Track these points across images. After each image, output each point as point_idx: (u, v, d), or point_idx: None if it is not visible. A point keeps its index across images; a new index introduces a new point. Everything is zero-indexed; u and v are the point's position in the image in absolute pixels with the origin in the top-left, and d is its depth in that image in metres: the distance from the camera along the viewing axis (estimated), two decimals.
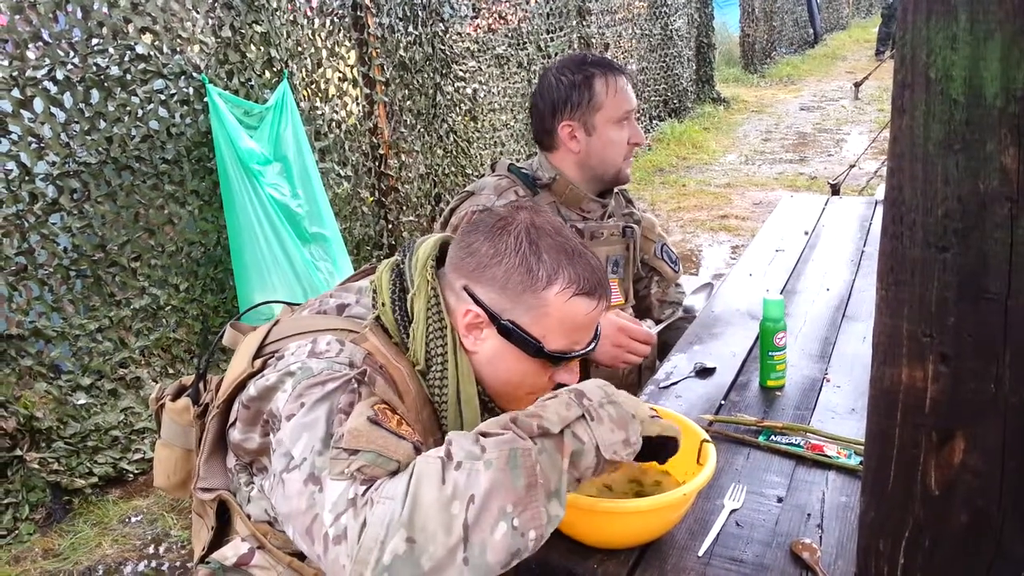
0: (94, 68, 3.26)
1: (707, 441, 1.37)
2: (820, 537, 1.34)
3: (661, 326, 2.06)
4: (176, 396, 1.37)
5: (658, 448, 1.18)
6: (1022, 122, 0.78)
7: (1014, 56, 0.77)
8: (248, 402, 1.20)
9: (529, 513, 0.99)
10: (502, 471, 0.99)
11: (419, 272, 1.26)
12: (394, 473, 1.04)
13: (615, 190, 2.22)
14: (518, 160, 2.12)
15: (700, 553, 1.31)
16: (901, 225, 0.86)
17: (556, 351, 1.24)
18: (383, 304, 1.26)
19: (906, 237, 0.86)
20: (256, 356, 1.26)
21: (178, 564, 2.86)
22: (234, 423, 1.23)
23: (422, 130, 5.22)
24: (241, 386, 1.23)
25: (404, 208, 5.08)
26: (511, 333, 1.22)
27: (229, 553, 1.24)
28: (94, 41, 3.27)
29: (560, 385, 1.27)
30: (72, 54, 3.19)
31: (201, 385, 1.36)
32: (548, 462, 1.03)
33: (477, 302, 1.23)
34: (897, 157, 0.85)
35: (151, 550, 2.94)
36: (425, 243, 1.31)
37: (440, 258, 1.32)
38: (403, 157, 5.02)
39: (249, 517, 1.25)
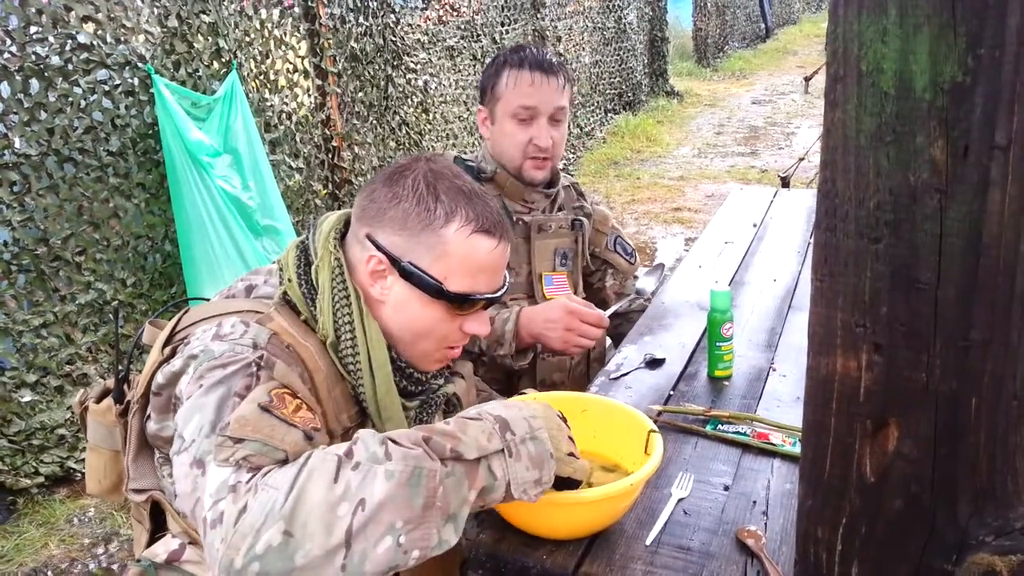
0: (33, 57, 3.17)
1: (654, 431, 1.38)
2: (765, 524, 1.36)
3: (612, 309, 2.06)
4: (100, 399, 1.35)
5: (566, 483, 1.19)
6: (950, 115, 0.80)
7: (942, 50, 0.78)
8: (158, 389, 1.19)
9: (419, 532, 0.98)
10: (401, 487, 0.97)
11: (322, 244, 1.27)
12: (284, 462, 1.03)
13: (565, 182, 2.23)
14: (467, 152, 2.13)
15: (648, 542, 1.32)
16: (834, 217, 0.87)
17: (458, 292, 1.24)
18: (289, 280, 1.26)
19: (839, 229, 0.87)
20: (166, 344, 1.25)
21: (128, 563, 2.81)
22: (150, 415, 1.22)
23: (375, 122, 5.18)
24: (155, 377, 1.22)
25: None
26: (411, 275, 1.22)
27: (160, 550, 1.23)
28: (32, 29, 3.18)
29: (474, 339, 1.32)
30: (9, 42, 3.10)
31: (125, 386, 1.33)
32: (454, 486, 1.02)
33: (378, 247, 1.23)
34: (830, 150, 0.86)
35: (100, 549, 2.89)
36: (329, 217, 1.32)
37: (346, 233, 1.32)
38: (356, 149, 4.98)
39: (179, 513, 1.24)
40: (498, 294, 1.30)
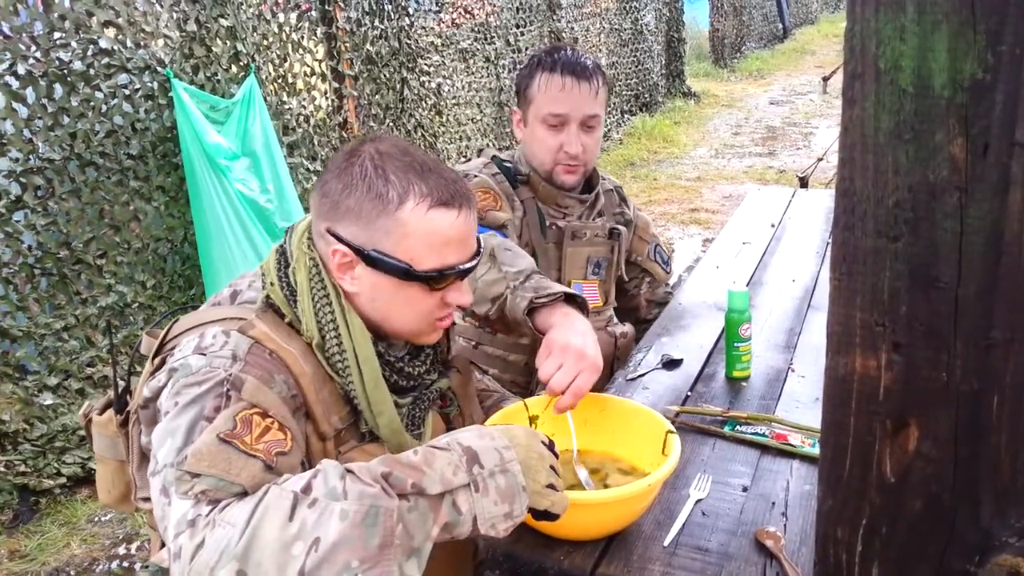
0: (57, 63, 3.21)
1: (672, 432, 1.37)
2: (784, 525, 1.35)
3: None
4: (103, 411, 1.35)
5: (544, 515, 1.15)
6: (969, 112, 0.79)
7: (961, 47, 0.78)
8: (145, 403, 1.19)
9: (377, 571, 0.96)
10: (356, 527, 0.95)
11: (296, 245, 1.26)
12: (244, 494, 1.01)
13: (608, 186, 2.21)
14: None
15: (666, 543, 1.32)
16: (853, 215, 0.87)
17: (428, 270, 1.22)
18: (271, 284, 1.25)
19: (858, 227, 0.86)
20: (156, 354, 1.25)
21: (137, 568, 2.83)
22: (142, 427, 1.22)
23: (391, 125, 5.20)
24: None
25: None
26: (377, 262, 1.20)
27: (166, 555, 1.23)
28: (56, 35, 3.22)
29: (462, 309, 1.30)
30: (34, 48, 3.14)
31: (128, 396, 1.33)
32: (417, 521, 1.00)
33: (340, 240, 1.22)
34: (848, 148, 0.86)
35: (121, 549, 2.91)
36: (303, 219, 1.31)
37: None
38: None
39: None
40: (472, 263, 1.27)
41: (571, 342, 1.37)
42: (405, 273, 1.21)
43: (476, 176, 1.98)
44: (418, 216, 1.20)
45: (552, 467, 1.15)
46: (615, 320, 2.24)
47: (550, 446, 1.18)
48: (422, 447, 1.10)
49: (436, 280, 1.23)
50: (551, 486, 1.13)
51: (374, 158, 1.22)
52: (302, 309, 1.22)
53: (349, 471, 1.01)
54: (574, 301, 1.51)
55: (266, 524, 0.94)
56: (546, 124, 1.96)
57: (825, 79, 10.81)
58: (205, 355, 1.14)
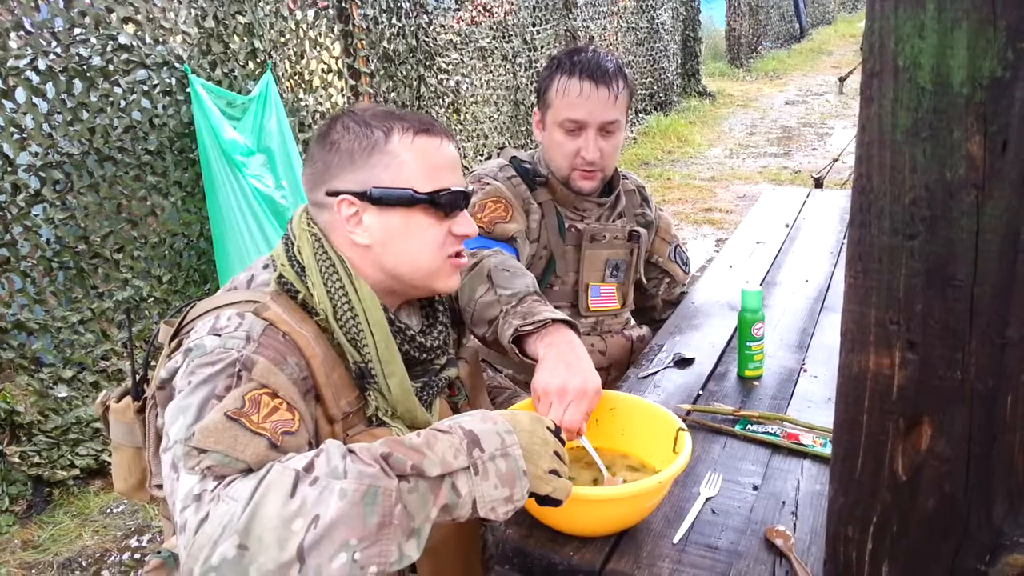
0: (76, 58, 3.23)
1: (683, 430, 1.37)
2: (794, 524, 1.35)
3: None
4: (120, 399, 1.37)
5: (547, 500, 1.15)
6: (988, 110, 0.79)
7: (980, 45, 0.78)
8: (161, 384, 1.21)
9: (376, 549, 0.97)
10: (355, 506, 0.97)
11: (296, 225, 1.32)
12: (248, 471, 1.03)
13: (630, 186, 2.19)
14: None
15: (675, 540, 1.32)
16: (869, 213, 0.86)
17: (430, 191, 1.28)
18: (282, 264, 1.29)
19: (874, 225, 0.86)
20: (173, 339, 1.28)
21: (150, 555, 2.85)
22: (158, 410, 1.24)
23: None
24: None
25: None
26: (381, 196, 1.26)
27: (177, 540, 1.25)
28: (76, 31, 3.24)
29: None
30: (54, 43, 3.17)
31: (145, 384, 1.35)
32: (417, 502, 1.02)
33: (340, 193, 1.27)
34: (865, 145, 0.86)
35: (132, 541, 2.93)
36: (301, 206, 1.37)
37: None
38: None
39: None
40: (468, 188, 1.34)
41: (550, 385, 1.35)
42: (410, 198, 1.26)
43: (489, 184, 1.97)
44: (406, 144, 1.27)
45: (556, 453, 1.16)
46: (632, 323, 2.24)
47: (555, 432, 1.18)
48: (425, 430, 1.11)
49: (440, 202, 1.28)
50: (554, 472, 1.14)
51: (351, 115, 1.30)
52: (312, 282, 1.26)
53: (351, 451, 1.03)
54: (564, 322, 1.48)
55: (268, 500, 0.96)
56: (563, 129, 1.94)
57: (841, 79, 10.75)
58: (220, 336, 1.16)
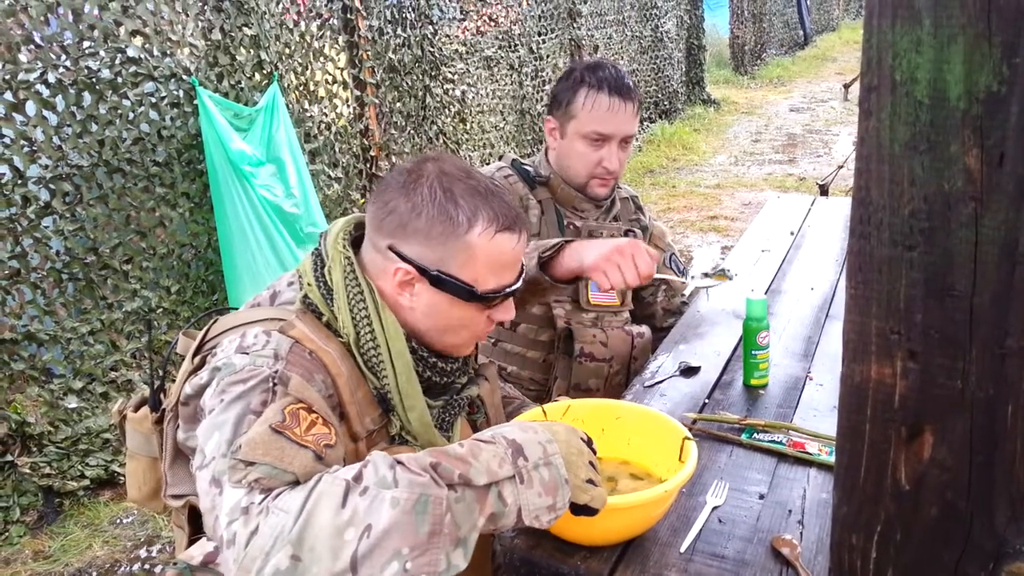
0: (85, 71, 3.27)
1: (689, 439, 1.38)
2: (801, 533, 1.36)
3: (661, 277, 2.05)
4: (138, 408, 1.38)
5: (583, 509, 1.17)
6: (984, 124, 0.80)
7: (976, 59, 0.79)
8: (185, 400, 1.22)
9: (426, 558, 0.98)
10: (407, 514, 0.97)
11: (331, 245, 1.30)
12: (295, 483, 1.04)
13: (624, 195, 2.26)
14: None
15: (682, 549, 1.32)
16: (868, 224, 0.88)
17: (488, 291, 1.27)
18: (309, 284, 1.29)
19: (873, 236, 0.87)
20: (195, 354, 1.28)
21: (165, 566, 2.87)
22: (179, 424, 1.25)
23: (412, 132, 5.24)
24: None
25: None
26: (444, 283, 1.25)
27: (195, 552, 1.25)
28: (85, 44, 3.28)
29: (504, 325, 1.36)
30: (64, 57, 3.21)
31: (162, 394, 1.36)
32: (464, 512, 1.02)
33: (405, 259, 1.25)
34: (864, 158, 0.87)
35: (143, 552, 2.95)
36: (339, 221, 1.35)
37: (358, 240, 1.35)
38: (394, 159, 5.04)
39: None
40: (521, 280, 1.34)
41: (600, 255, 1.58)
42: (469, 294, 1.26)
43: None
44: (486, 240, 1.25)
45: (591, 463, 1.18)
46: (631, 322, 2.26)
47: (588, 442, 1.20)
48: (468, 440, 1.12)
49: (493, 300, 1.29)
50: (590, 481, 1.16)
51: (441, 180, 1.26)
52: (338, 307, 1.26)
53: (399, 461, 1.04)
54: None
55: (319, 511, 0.97)
56: (588, 140, 2.03)
57: (846, 86, 10.75)
58: (248, 354, 1.17)
